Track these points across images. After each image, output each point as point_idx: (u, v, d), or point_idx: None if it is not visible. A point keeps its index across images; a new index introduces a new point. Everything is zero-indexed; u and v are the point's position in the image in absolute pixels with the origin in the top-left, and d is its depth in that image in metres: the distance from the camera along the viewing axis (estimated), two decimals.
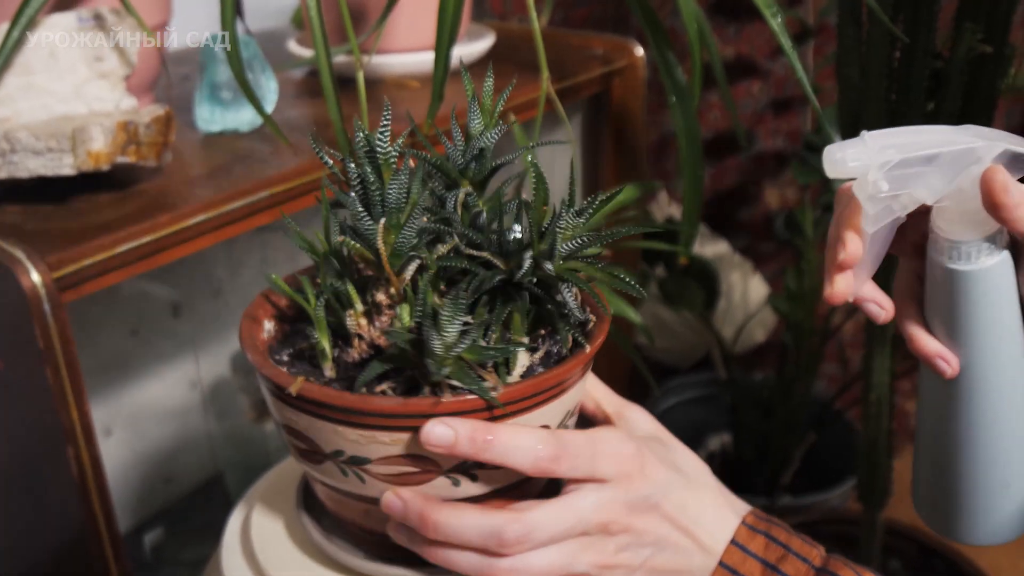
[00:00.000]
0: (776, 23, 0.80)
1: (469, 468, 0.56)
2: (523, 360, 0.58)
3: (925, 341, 0.61)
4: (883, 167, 0.55)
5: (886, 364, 1.13)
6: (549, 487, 0.64)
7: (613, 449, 0.59)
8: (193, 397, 1.19)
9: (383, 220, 0.56)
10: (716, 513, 0.62)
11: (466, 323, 0.52)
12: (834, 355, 1.80)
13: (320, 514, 0.65)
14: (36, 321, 0.66)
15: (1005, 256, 0.58)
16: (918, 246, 0.62)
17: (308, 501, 0.67)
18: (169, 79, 1.00)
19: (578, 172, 1.23)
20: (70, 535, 0.78)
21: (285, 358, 0.61)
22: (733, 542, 0.62)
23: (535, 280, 0.57)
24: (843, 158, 0.55)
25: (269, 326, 0.63)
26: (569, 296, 0.58)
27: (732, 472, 1.57)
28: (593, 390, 0.69)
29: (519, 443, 0.55)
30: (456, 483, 0.56)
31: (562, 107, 0.90)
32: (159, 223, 0.72)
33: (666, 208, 1.62)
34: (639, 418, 0.67)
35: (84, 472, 0.72)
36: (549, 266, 0.56)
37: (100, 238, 0.70)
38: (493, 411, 0.54)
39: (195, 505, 1.20)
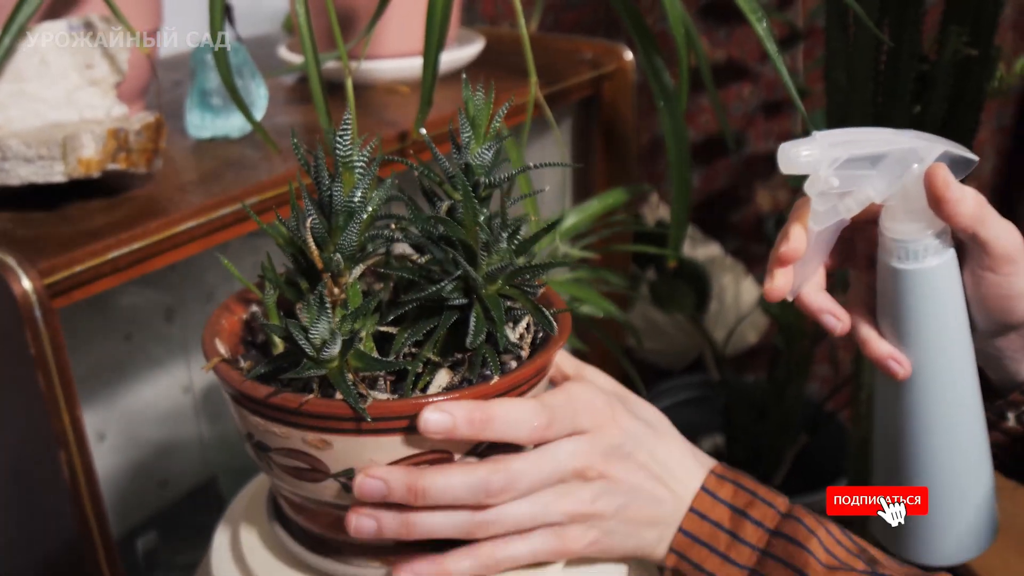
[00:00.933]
0: (761, 28, 0.81)
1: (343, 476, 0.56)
2: (441, 379, 0.57)
3: (877, 343, 0.63)
4: (833, 164, 0.58)
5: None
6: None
7: (587, 402, 0.60)
8: (186, 402, 1.19)
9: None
10: (683, 462, 0.63)
11: (351, 330, 0.54)
12: (826, 357, 1.81)
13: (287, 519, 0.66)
14: (28, 327, 0.67)
15: (951, 255, 0.60)
16: (869, 258, 0.63)
17: (278, 505, 0.67)
18: (159, 86, 1.00)
19: (568, 176, 1.24)
20: (63, 539, 0.78)
21: (253, 352, 0.63)
22: (703, 488, 0.62)
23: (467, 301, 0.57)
24: (796, 155, 0.58)
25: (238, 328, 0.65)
26: (498, 322, 0.56)
27: None
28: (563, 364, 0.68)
29: (515, 417, 0.55)
30: (347, 489, 0.56)
31: (552, 111, 0.91)
32: (150, 229, 0.73)
33: (657, 210, 1.62)
34: (598, 376, 0.67)
35: (76, 477, 0.73)
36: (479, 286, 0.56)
37: (91, 244, 0.70)
38: (360, 424, 0.53)
39: (188, 509, 1.20)
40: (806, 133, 0.62)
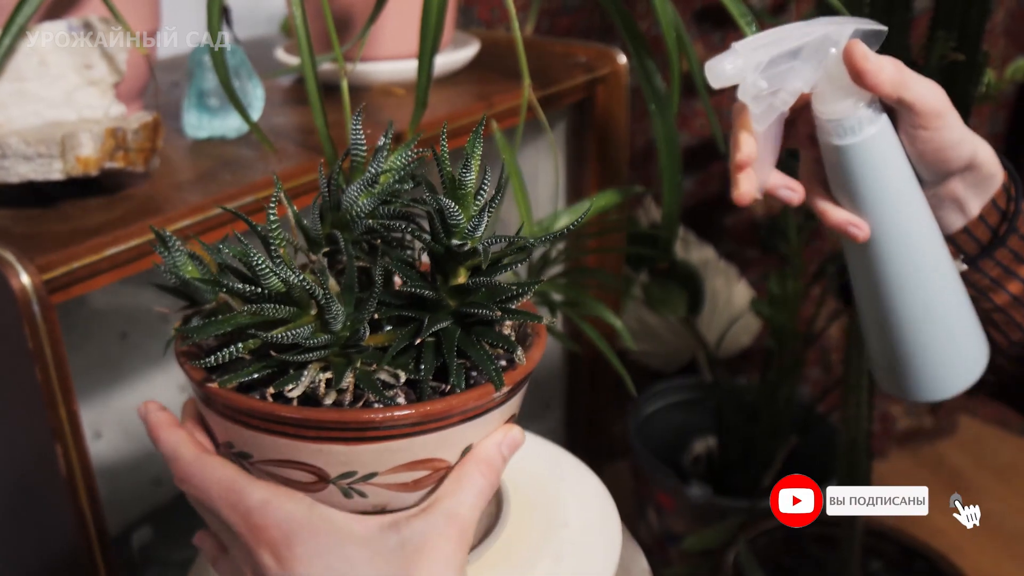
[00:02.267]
0: (751, 32, 0.82)
1: (355, 483, 0.54)
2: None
3: (833, 212, 0.67)
4: (757, 68, 0.62)
5: (864, 367, 1.15)
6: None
7: (283, 510, 0.52)
8: (182, 400, 1.20)
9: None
10: None
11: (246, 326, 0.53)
12: (818, 360, 1.82)
13: None
14: (26, 322, 0.68)
15: (884, 120, 0.64)
16: (811, 136, 0.67)
17: None
18: (157, 86, 1.02)
19: (562, 178, 1.25)
20: (59, 533, 0.79)
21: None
22: None
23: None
24: (722, 68, 0.61)
25: None
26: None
27: (717, 475, 1.59)
28: (462, 463, 0.57)
29: (162, 447, 0.57)
30: (348, 495, 0.55)
31: (546, 114, 0.92)
32: (147, 227, 0.74)
33: (652, 213, 1.63)
34: (427, 521, 0.54)
35: (73, 471, 0.74)
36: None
37: (89, 241, 0.71)
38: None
39: (183, 506, 1.20)
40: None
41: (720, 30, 1.66)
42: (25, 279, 0.67)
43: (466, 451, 0.56)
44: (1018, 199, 0.69)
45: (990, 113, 1.81)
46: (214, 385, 0.53)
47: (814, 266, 1.58)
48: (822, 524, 1.47)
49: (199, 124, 0.91)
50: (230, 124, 0.91)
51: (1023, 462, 1.96)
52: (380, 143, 0.59)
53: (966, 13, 0.95)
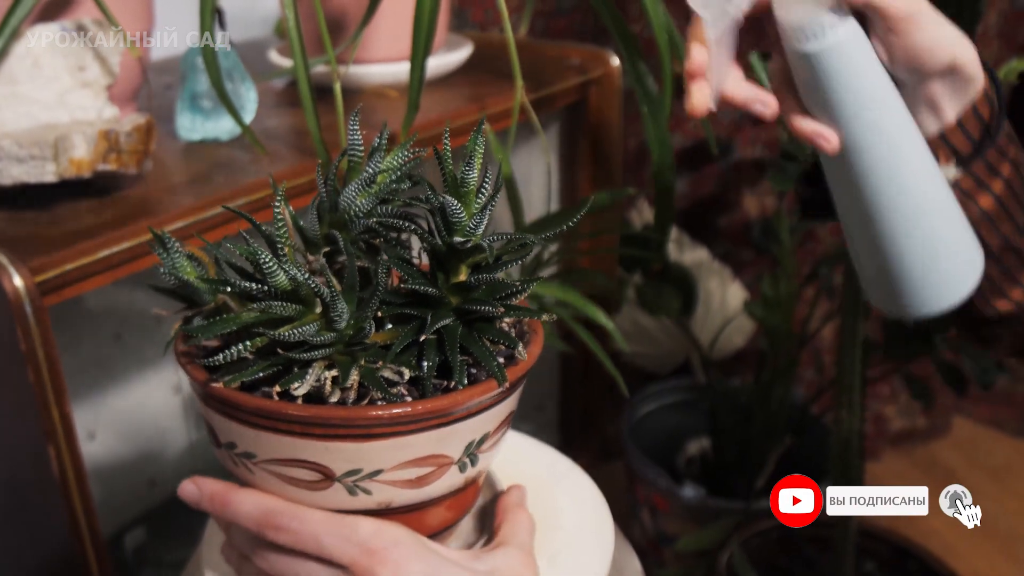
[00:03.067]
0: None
1: (360, 480, 0.55)
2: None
3: (802, 122, 0.64)
4: None
5: (857, 367, 1.15)
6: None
7: (355, 537, 0.53)
8: (175, 402, 1.20)
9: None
10: None
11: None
12: (811, 360, 1.83)
13: None
14: (18, 324, 0.68)
15: (851, 24, 0.61)
16: (778, 40, 0.64)
17: None
18: (150, 88, 1.02)
19: (555, 180, 1.26)
20: (53, 535, 0.79)
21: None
22: None
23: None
24: None
25: None
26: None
27: (711, 476, 1.59)
28: (510, 514, 0.62)
29: (243, 510, 0.55)
30: (353, 492, 0.55)
31: (539, 116, 0.92)
32: (139, 229, 0.74)
33: (646, 215, 1.64)
34: (505, 555, 0.58)
35: (66, 473, 0.74)
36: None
37: (81, 243, 0.71)
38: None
39: (177, 508, 1.21)
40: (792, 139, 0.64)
41: None
42: (18, 281, 0.67)
43: (469, 447, 0.56)
44: (1000, 110, 0.67)
45: None
46: (219, 385, 0.53)
47: (807, 267, 1.59)
48: (816, 525, 1.47)
49: (192, 126, 0.91)
50: (223, 126, 0.91)
51: (1017, 463, 1.97)
52: (375, 144, 0.60)
53: (957, 17, 0.95)
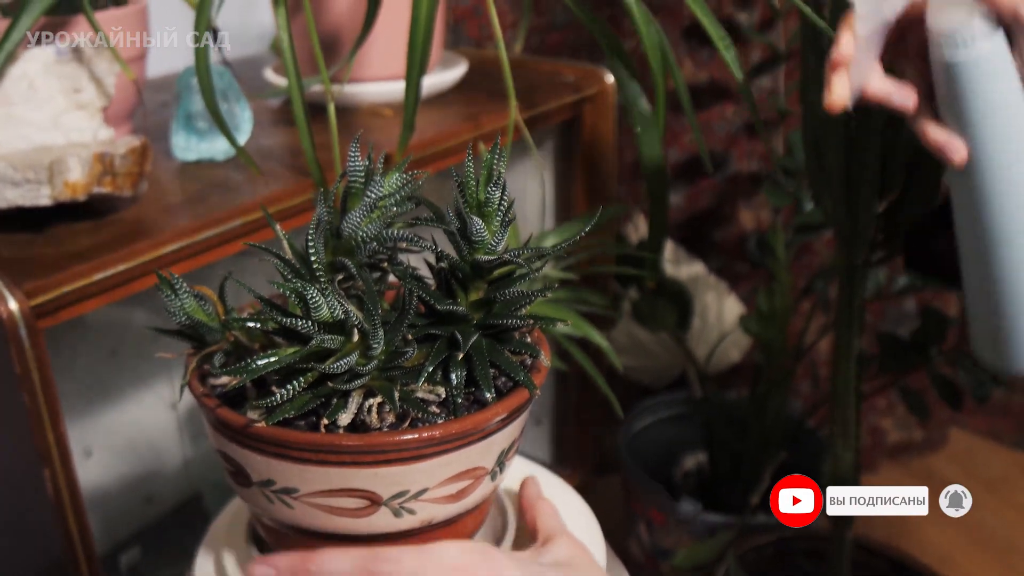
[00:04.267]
0: (729, 55, 0.83)
1: (406, 501, 0.56)
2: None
3: (933, 131, 0.65)
4: None
5: (851, 382, 1.15)
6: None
7: (447, 561, 0.54)
8: (171, 419, 1.20)
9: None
10: None
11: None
12: (808, 374, 1.83)
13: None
14: (13, 347, 0.68)
15: (999, 39, 0.62)
16: (920, 52, 0.65)
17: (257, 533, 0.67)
18: (145, 109, 1.02)
19: (550, 197, 1.26)
20: (47, 556, 0.79)
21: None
22: None
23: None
24: None
25: None
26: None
27: (708, 490, 1.59)
28: (537, 507, 0.65)
29: (332, 568, 0.54)
30: (399, 514, 0.56)
31: (534, 134, 0.93)
32: (135, 251, 0.74)
33: (642, 229, 1.64)
34: (560, 546, 0.61)
35: (60, 494, 0.74)
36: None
37: (77, 266, 0.72)
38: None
39: (173, 525, 1.21)
40: (788, 153, 0.65)
41: (708, 47, 1.66)
42: (13, 305, 0.67)
43: (501, 456, 0.59)
44: None
45: None
46: (261, 425, 0.53)
47: (803, 281, 1.59)
48: (812, 539, 1.47)
49: (187, 146, 0.91)
50: (218, 146, 0.91)
51: (1014, 474, 1.97)
52: (369, 167, 0.60)
53: None
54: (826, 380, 1.80)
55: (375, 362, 0.54)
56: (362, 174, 0.60)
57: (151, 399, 1.18)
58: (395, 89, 1.05)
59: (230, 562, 0.67)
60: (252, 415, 0.54)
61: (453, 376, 0.56)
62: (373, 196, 0.59)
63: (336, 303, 0.53)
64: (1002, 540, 1.76)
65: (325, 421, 0.53)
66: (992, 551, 1.73)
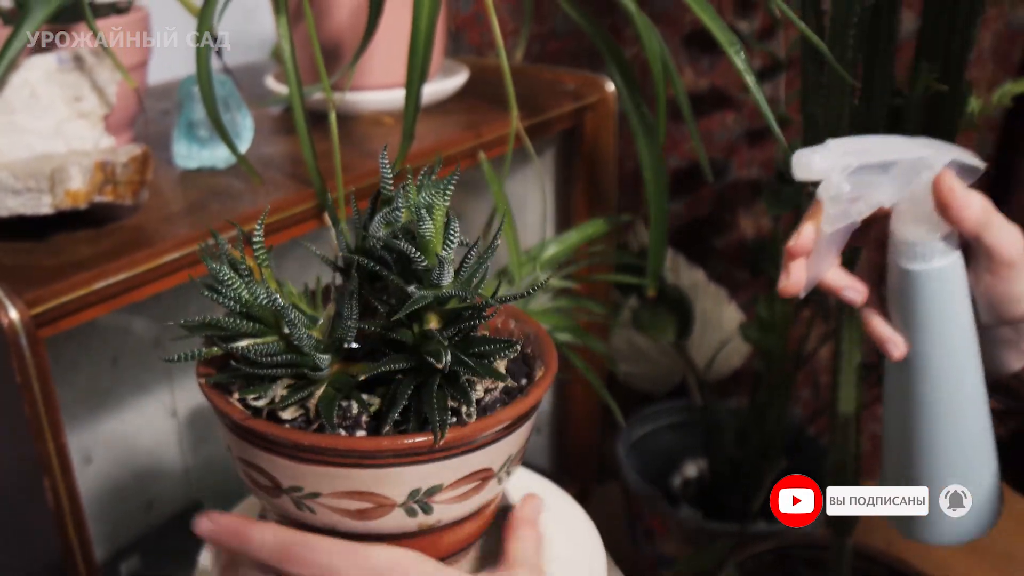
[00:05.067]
0: (739, 60, 0.83)
1: (422, 499, 0.57)
2: None
3: (878, 326, 0.67)
4: (845, 170, 0.63)
5: (852, 390, 1.15)
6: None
7: (371, 562, 0.55)
8: (171, 426, 1.20)
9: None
10: None
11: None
12: (808, 381, 1.83)
13: None
14: (14, 356, 0.68)
15: (956, 256, 0.64)
16: (879, 242, 0.67)
17: None
18: (146, 117, 1.02)
19: (551, 205, 1.26)
20: (47, 564, 0.79)
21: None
22: None
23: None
24: (809, 162, 0.63)
25: None
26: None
27: (708, 498, 1.59)
28: (519, 532, 0.64)
29: (260, 538, 0.56)
30: (412, 513, 0.57)
31: (535, 142, 0.93)
32: (135, 260, 0.74)
33: (642, 237, 1.64)
34: (523, 542, 0.63)
35: (60, 502, 0.74)
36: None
37: (77, 275, 0.72)
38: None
39: (172, 533, 1.21)
40: (787, 161, 0.66)
41: (708, 55, 1.67)
42: (13, 314, 0.67)
43: (508, 460, 0.59)
44: None
45: (978, 137, 1.82)
46: (310, 433, 0.55)
47: None
48: (814, 548, 1.47)
49: (189, 154, 0.92)
50: (220, 154, 0.91)
51: None
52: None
53: (949, 44, 0.96)
54: (827, 388, 1.79)
55: (304, 357, 0.55)
56: (391, 181, 0.60)
57: (152, 406, 1.18)
58: (396, 97, 1.05)
59: None
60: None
61: (397, 400, 0.55)
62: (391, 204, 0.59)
63: (261, 289, 0.55)
64: (1000, 549, 1.76)
65: (244, 399, 0.56)
66: (990, 560, 1.73)
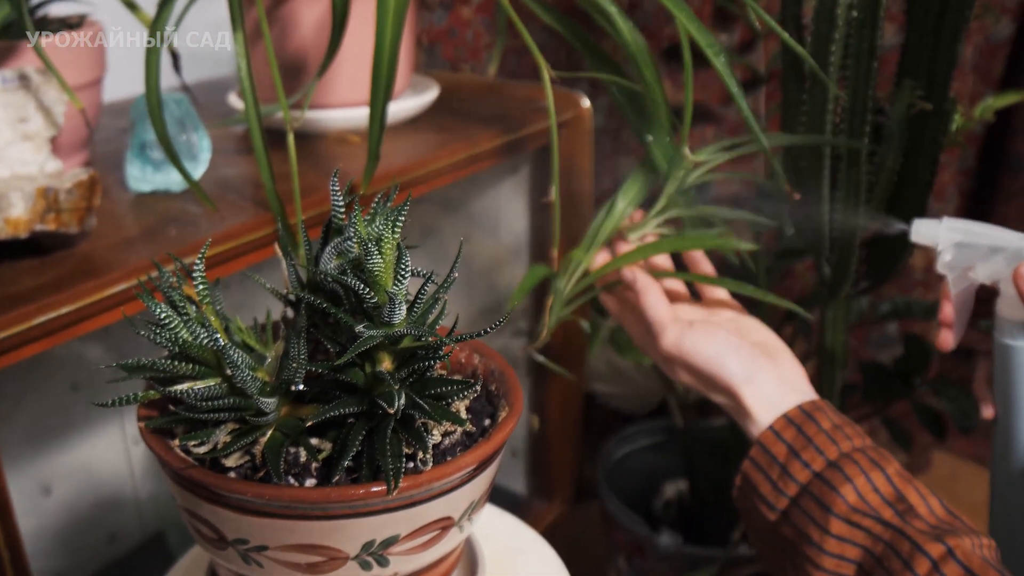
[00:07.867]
0: (720, 62, 0.80)
1: (377, 551, 0.54)
2: None
3: (981, 390, 0.84)
4: (947, 243, 0.78)
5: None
6: None
7: None
8: (134, 453, 1.16)
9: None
10: (773, 393, 0.83)
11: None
12: None
13: None
14: None
15: None
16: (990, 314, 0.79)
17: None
18: (101, 137, 0.98)
19: (526, 224, 1.23)
20: None
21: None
22: (770, 428, 0.81)
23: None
24: (918, 228, 0.80)
25: None
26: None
27: (689, 520, 1.56)
28: None
29: None
30: (367, 566, 0.54)
31: (510, 159, 0.90)
32: (80, 292, 0.70)
33: None
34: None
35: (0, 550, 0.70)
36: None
37: (18, 309, 0.67)
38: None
39: (136, 564, 1.17)
40: (770, 177, 0.70)
41: None
42: None
43: (469, 508, 0.56)
44: None
45: (960, 151, 1.80)
46: (254, 484, 0.51)
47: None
48: None
49: (142, 177, 0.87)
50: (175, 177, 0.87)
51: None
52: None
53: (933, 62, 0.93)
54: None
55: (247, 401, 0.52)
56: (343, 210, 0.57)
57: (113, 435, 1.14)
58: (362, 115, 1.02)
59: None
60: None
61: (348, 448, 0.52)
62: (341, 235, 0.56)
63: (201, 329, 0.52)
64: None
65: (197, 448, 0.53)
66: None
